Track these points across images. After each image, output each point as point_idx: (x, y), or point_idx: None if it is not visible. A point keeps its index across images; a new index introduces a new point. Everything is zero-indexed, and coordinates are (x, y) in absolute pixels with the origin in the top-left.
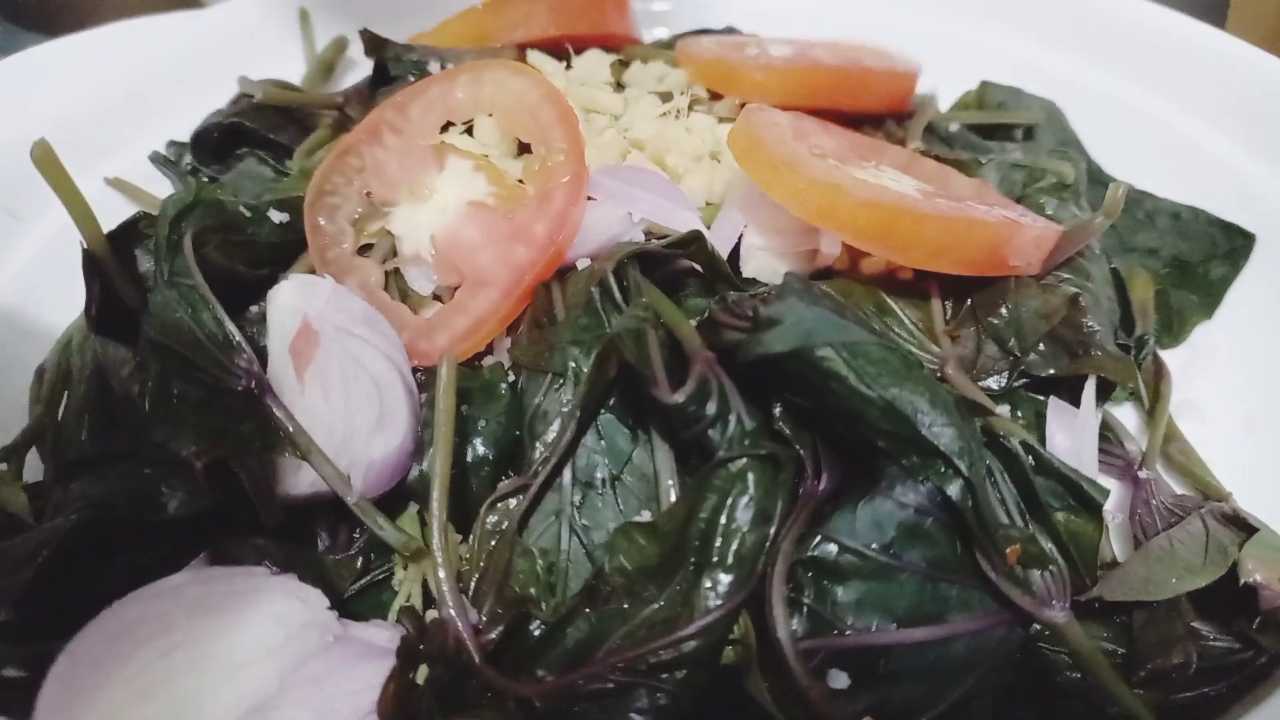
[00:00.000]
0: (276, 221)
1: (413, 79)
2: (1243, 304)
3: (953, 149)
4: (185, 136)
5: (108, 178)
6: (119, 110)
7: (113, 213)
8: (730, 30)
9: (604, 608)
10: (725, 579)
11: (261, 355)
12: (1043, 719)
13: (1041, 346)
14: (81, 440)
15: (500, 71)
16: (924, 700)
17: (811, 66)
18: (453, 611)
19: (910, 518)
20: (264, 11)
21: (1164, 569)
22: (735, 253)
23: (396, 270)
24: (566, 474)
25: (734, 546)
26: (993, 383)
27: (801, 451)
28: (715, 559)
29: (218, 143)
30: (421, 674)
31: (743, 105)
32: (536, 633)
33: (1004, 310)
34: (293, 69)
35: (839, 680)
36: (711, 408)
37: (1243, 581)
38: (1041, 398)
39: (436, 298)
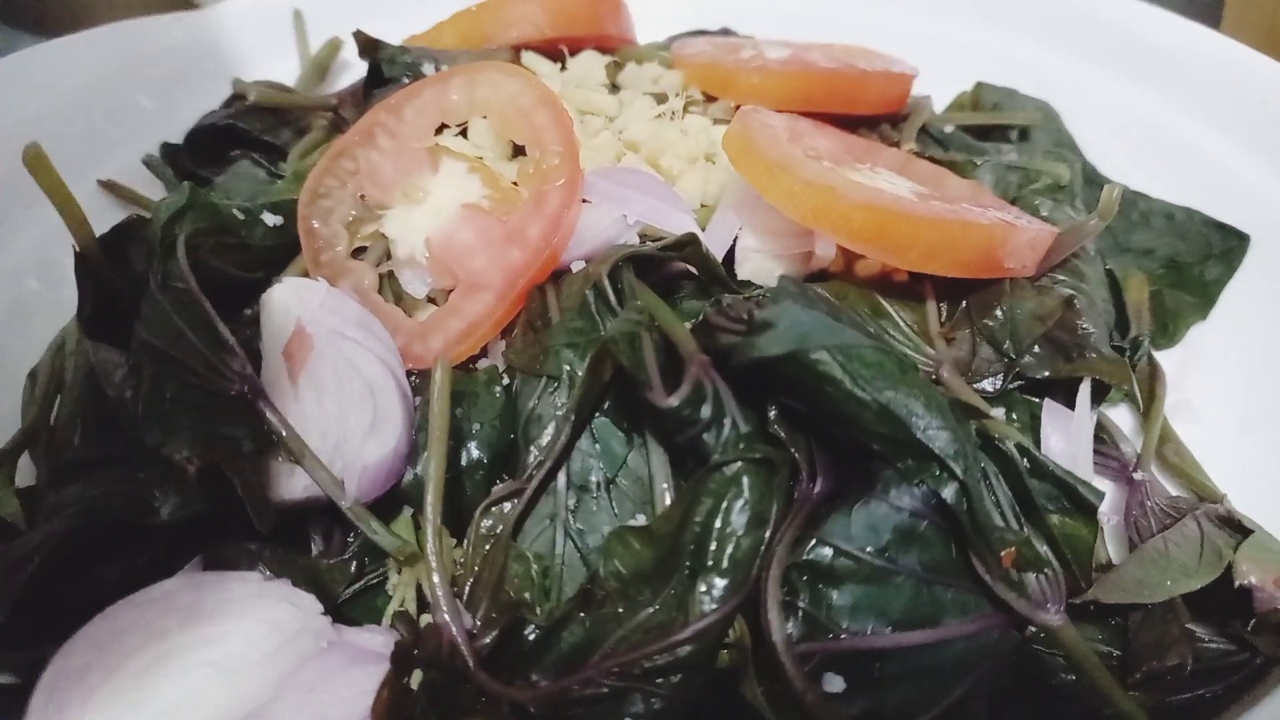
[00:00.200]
0: (270, 224)
1: (407, 81)
2: (1238, 305)
3: (948, 151)
4: (179, 139)
5: (101, 180)
6: (112, 112)
7: (106, 216)
8: (726, 32)
9: (599, 612)
10: (720, 583)
11: (255, 359)
12: None
13: (1036, 349)
14: (74, 444)
15: (495, 73)
16: (920, 703)
17: (807, 69)
18: (447, 616)
19: (905, 521)
20: (258, 13)
21: (1159, 571)
22: (730, 255)
23: (391, 273)
24: (561, 478)
25: (729, 550)
26: (988, 385)
27: (796, 455)
28: (710, 563)
29: (211, 145)
30: (416, 679)
31: (738, 107)
32: (531, 637)
33: (999, 312)
34: (287, 71)
35: (834, 684)
36: (706, 411)
37: (1238, 583)
38: (1037, 400)
39: (431, 301)
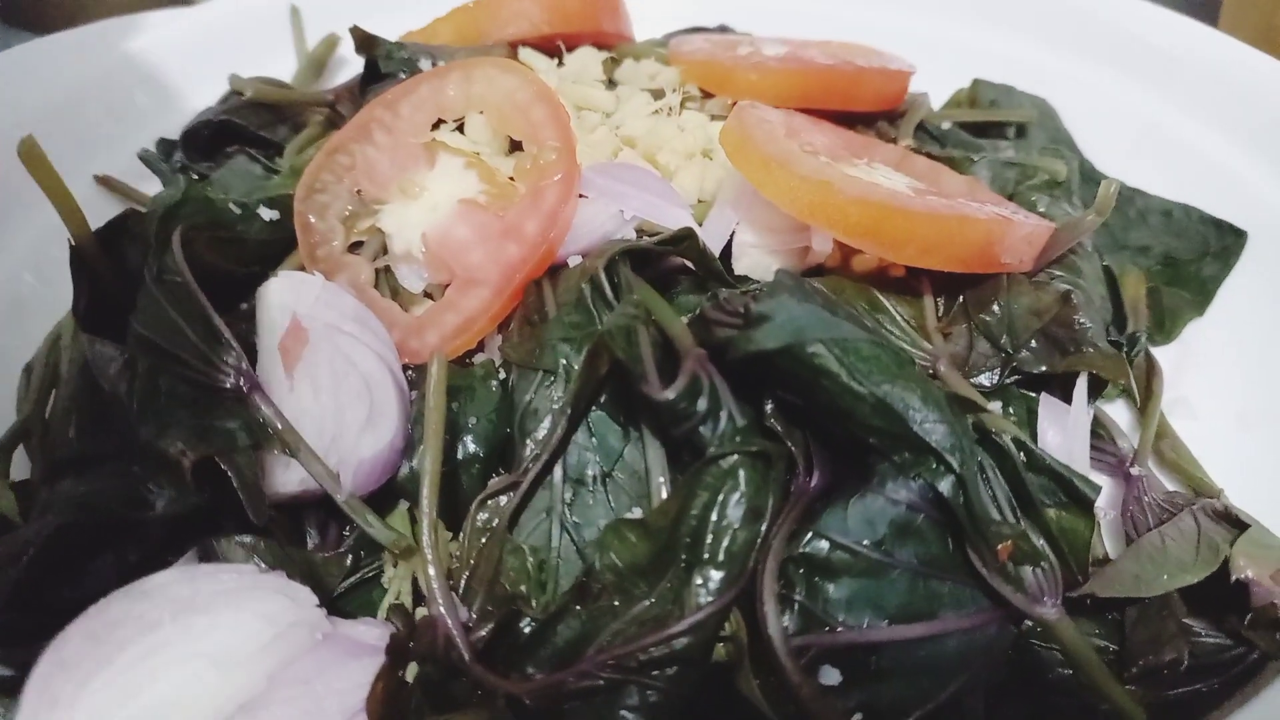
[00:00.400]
0: (266, 219)
1: (404, 76)
2: (1234, 301)
3: (945, 147)
4: (175, 134)
5: (97, 175)
6: (108, 108)
7: (101, 211)
8: (723, 29)
9: (595, 605)
10: (716, 576)
11: (251, 353)
12: (1034, 716)
13: (1033, 343)
14: (69, 438)
15: (491, 69)
16: (916, 697)
17: (804, 66)
18: (442, 609)
19: (902, 514)
20: (254, 9)
21: (1155, 566)
22: (727, 250)
23: (387, 268)
24: (557, 471)
25: (725, 543)
26: (984, 380)
27: (793, 448)
28: (706, 556)
29: (208, 140)
30: (411, 672)
31: (735, 103)
32: (527, 630)
33: (996, 307)
34: (283, 66)
35: (830, 677)
36: (702, 405)
37: (1234, 578)
38: (1033, 395)
39: (427, 295)
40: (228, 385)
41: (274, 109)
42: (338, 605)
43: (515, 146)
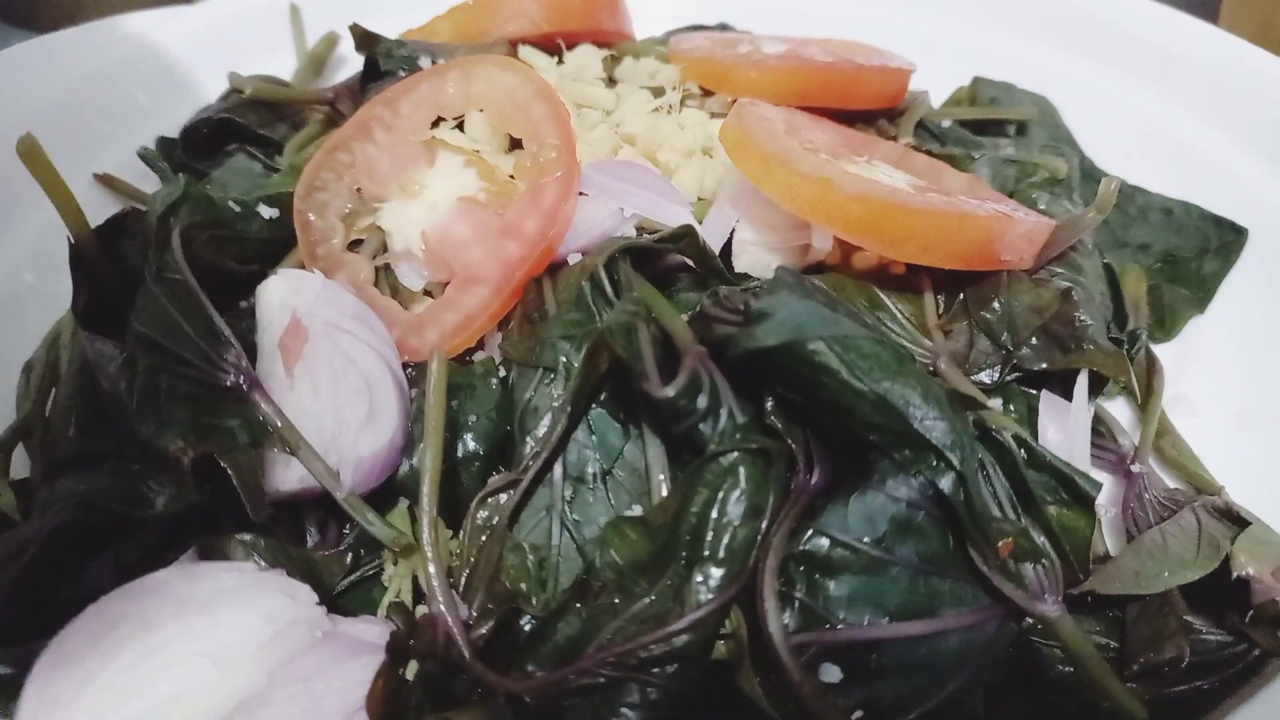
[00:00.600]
0: (266, 217)
1: (403, 74)
2: (1235, 299)
3: (945, 145)
4: (174, 133)
5: (96, 174)
6: (107, 106)
7: (101, 210)
8: (723, 26)
9: (595, 603)
10: (717, 573)
11: (250, 350)
12: (1035, 713)
13: (1034, 341)
14: (69, 436)
15: (491, 67)
16: (916, 695)
17: (804, 64)
18: (443, 607)
19: (902, 512)
20: (254, 7)
21: (1156, 563)
22: (727, 248)
23: (387, 266)
24: (557, 469)
25: (725, 541)
26: (985, 377)
27: (793, 445)
28: (706, 553)
29: (207, 139)
30: (411, 670)
31: (735, 101)
32: (527, 628)
33: (996, 305)
34: (283, 64)
35: (831, 674)
36: (703, 402)
37: (1235, 575)
38: (1034, 392)
39: (427, 293)
40: (227, 383)
41: (274, 107)
42: (338, 603)
43: (515, 144)
